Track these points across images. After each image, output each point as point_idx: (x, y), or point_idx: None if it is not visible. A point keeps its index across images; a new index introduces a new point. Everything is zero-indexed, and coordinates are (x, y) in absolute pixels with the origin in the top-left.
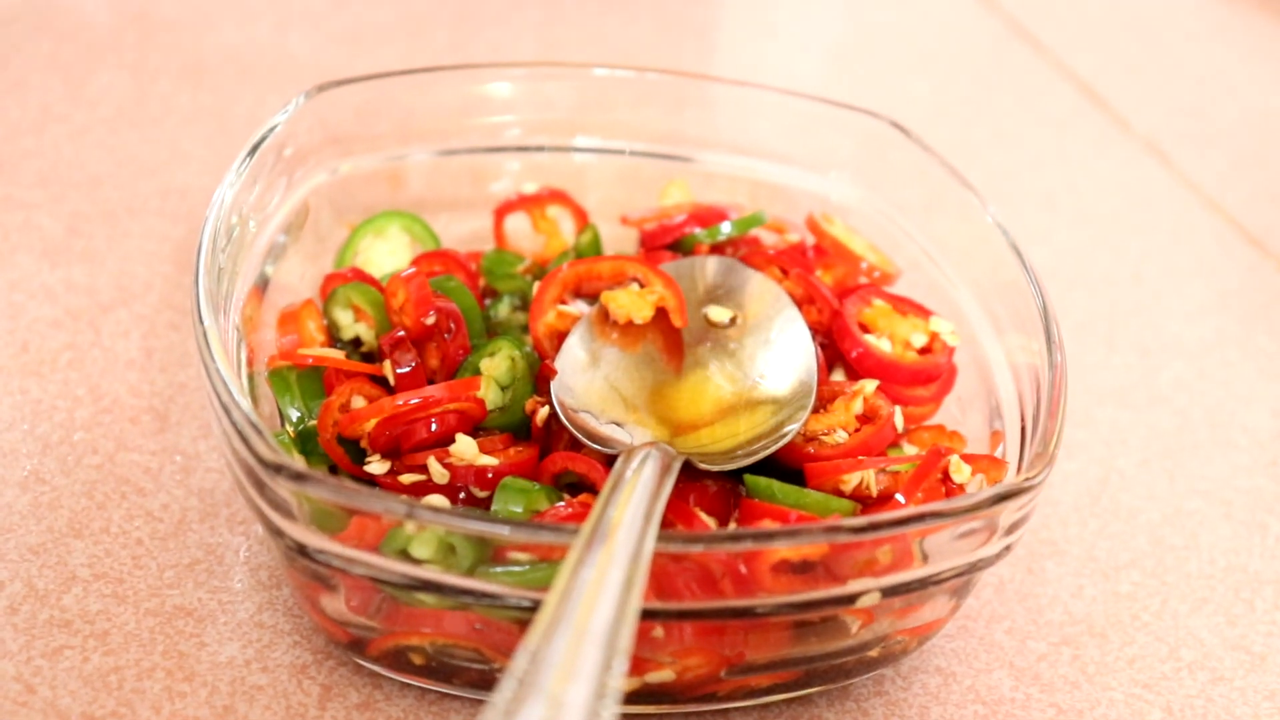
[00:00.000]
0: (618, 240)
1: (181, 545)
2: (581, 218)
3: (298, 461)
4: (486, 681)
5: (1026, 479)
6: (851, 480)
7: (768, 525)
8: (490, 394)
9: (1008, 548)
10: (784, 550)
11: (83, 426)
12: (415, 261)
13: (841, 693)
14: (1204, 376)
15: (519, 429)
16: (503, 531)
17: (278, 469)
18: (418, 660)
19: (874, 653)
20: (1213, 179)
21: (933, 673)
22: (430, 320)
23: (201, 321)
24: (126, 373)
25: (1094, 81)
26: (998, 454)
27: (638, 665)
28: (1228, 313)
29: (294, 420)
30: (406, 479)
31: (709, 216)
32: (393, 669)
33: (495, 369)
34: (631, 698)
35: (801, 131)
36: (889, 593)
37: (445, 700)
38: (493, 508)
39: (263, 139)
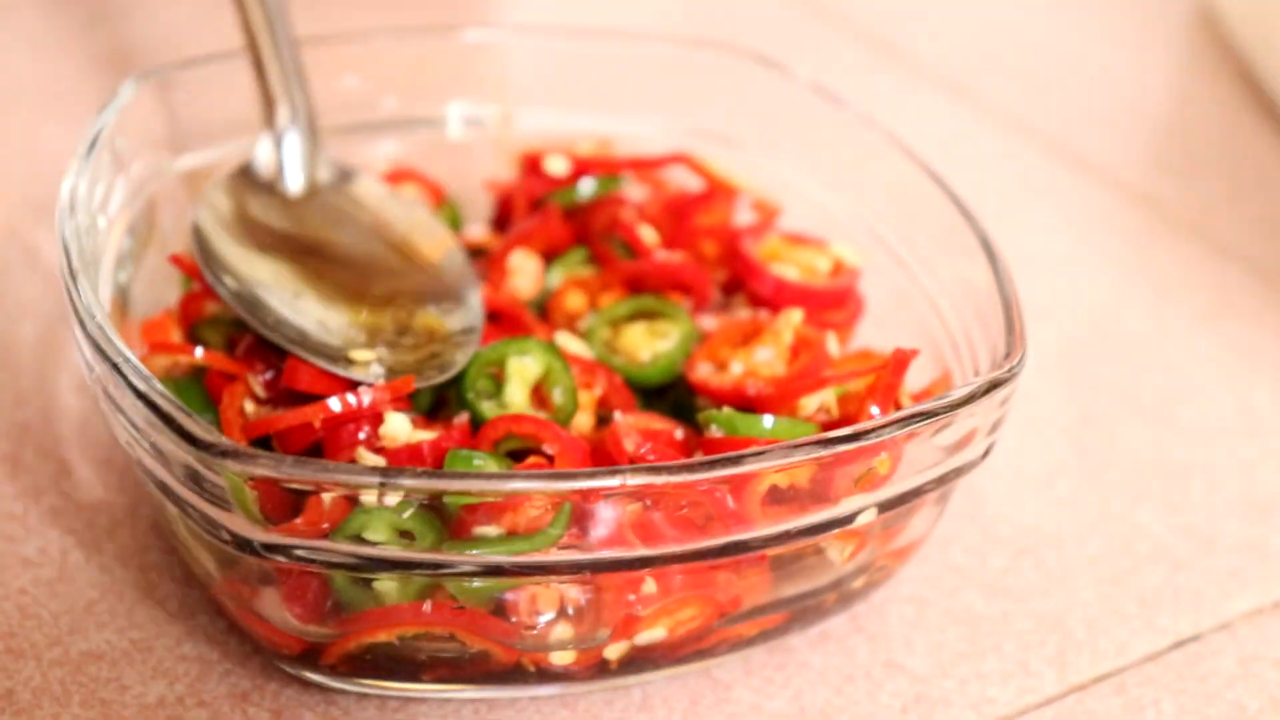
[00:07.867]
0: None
1: (72, 588)
2: (436, 194)
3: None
4: (461, 674)
5: (1010, 368)
6: (810, 404)
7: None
8: None
9: (989, 448)
10: (775, 475)
11: None
12: None
13: (820, 636)
14: (1073, 289)
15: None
16: (512, 486)
17: (219, 450)
18: (380, 660)
19: (858, 583)
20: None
21: (904, 602)
22: None
23: (92, 316)
24: None
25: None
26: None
27: (627, 624)
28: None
29: None
30: None
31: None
32: (350, 676)
33: None
34: (621, 667)
35: (659, 76)
36: (884, 507)
37: (410, 705)
38: None
39: (97, 136)
